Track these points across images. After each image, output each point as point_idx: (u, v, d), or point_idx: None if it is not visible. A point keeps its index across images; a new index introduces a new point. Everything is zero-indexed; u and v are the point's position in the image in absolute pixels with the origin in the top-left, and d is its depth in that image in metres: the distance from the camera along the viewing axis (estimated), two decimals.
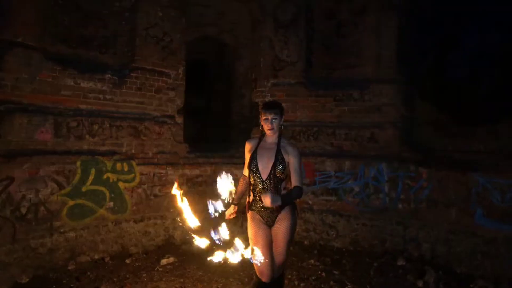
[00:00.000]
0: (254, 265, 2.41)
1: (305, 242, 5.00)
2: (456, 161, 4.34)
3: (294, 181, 2.45)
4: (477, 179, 3.97)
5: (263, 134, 2.61)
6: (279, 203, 2.25)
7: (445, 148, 4.61)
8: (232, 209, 2.68)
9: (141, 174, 4.49)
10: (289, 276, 3.83)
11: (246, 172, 2.64)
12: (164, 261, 4.11)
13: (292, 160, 2.48)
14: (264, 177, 2.46)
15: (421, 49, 5.38)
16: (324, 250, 4.76)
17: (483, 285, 3.67)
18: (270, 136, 2.55)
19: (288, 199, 2.42)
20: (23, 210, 3.45)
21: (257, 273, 2.48)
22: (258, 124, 2.71)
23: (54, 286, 3.39)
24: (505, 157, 4.00)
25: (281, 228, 2.47)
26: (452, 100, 5.30)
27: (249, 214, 2.60)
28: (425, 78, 5.29)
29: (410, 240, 4.48)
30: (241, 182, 2.74)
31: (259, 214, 2.54)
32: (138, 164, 4.46)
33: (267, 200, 2.19)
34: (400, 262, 4.28)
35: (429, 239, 4.33)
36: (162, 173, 4.69)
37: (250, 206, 2.60)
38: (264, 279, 2.44)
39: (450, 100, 5.28)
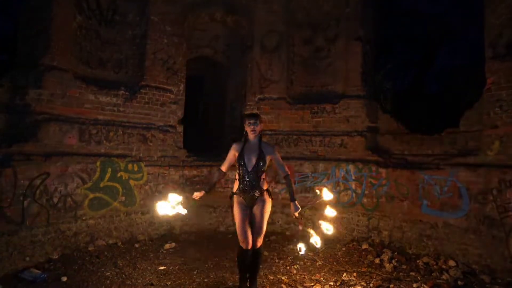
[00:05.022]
0: (238, 236, 3.23)
1: (287, 233, 5.86)
2: (409, 163, 5.29)
3: (281, 171, 3.31)
4: (423, 176, 4.92)
5: (246, 139, 3.37)
6: (299, 209, 3.14)
7: (402, 152, 5.56)
8: (200, 193, 3.30)
9: (148, 173, 5.34)
10: (271, 256, 4.68)
11: (224, 168, 3.40)
12: (167, 246, 4.92)
13: (272, 156, 3.32)
14: (250, 169, 3.25)
15: (386, 71, 6.47)
16: (303, 238, 5.61)
17: (426, 260, 4.57)
18: (252, 139, 3.35)
19: (293, 193, 3.25)
20: (55, 200, 4.27)
21: (240, 243, 3.25)
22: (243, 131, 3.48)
23: (79, 262, 4.18)
24: (446, 159, 4.96)
25: (259, 208, 3.29)
26: (414, 113, 6.33)
27: (235, 198, 3.37)
28: (387, 95, 6.33)
29: (372, 228, 5.38)
30: (216, 175, 3.49)
31: (242, 197, 3.33)
32: (145, 165, 5.31)
33: (294, 210, 3.12)
34: (364, 246, 5.17)
35: (388, 227, 5.24)
36: (165, 173, 5.55)
37: (236, 192, 3.35)
38: (245, 246, 3.23)
39: (412, 113, 6.31)
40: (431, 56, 8.66)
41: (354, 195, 5.58)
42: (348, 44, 5.97)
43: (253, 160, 3.26)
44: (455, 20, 8.56)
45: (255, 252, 3.31)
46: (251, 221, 3.31)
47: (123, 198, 5.03)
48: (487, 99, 4.44)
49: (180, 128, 5.89)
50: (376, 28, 6.30)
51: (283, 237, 5.67)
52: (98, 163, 4.75)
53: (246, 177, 3.26)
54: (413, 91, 7.45)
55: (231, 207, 3.44)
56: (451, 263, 4.41)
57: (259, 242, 3.30)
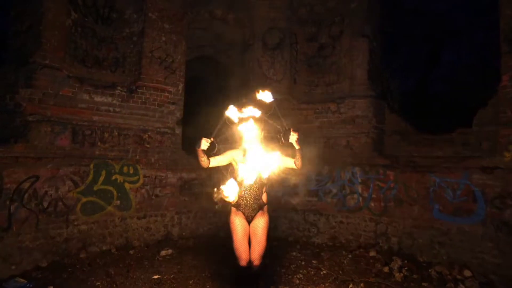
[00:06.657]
0: (235, 252, 2.94)
1: (290, 239, 5.59)
2: (418, 165, 5.00)
3: (291, 161, 2.98)
4: (434, 179, 4.63)
5: (245, 149, 3.05)
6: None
7: (410, 154, 5.28)
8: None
9: (145, 176, 5.12)
10: (272, 264, 4.40)
11: (211, 163, 2.94)
12: (163, 252, 4.68)
13: (278, 156, 2.89)
14: (252, 181, 2.89)
15: (393, 70, 6.21)
16: (306, 245, 5.35)
17: (439, 270, 4.26)
18: (252, 146, 2.99)
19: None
20: (45, 204, 4.06)
21: (238, 260, 2.96)
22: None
23: (69, 269, 3.95)
24: (458, 161, 4.66)
25: (260, 222, 3.03)
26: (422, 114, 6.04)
27: (233, 210, 3.09)
28: (394, 94, 6.06)
29: (380, 234, 5.08)
30: (205, 159, 2.88)
31: (241, 211, 3.06)
32: (142, 168, 5.09)
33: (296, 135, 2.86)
34: (372, 253, 4.87)
35: (397, 233, 4.94)
36: (162, 176, 5.32)
37: (234, 205, 3.05)
38: (242, 263, 2.95)
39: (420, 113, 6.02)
40: (437, 55, 8.41)
41: (360, 199, 5.29)
42: (353, 41, 5.72)
43: (256, 172, 2.90)
44: (460, 18, 8.30)
45: (255, 272, 3.00)
46: (250, 237, 3.05)
47: (118, 202, 4.81)
48: (503, 97, 4.16)
49: (178, 130, 5.66)
50: (382, 26, 6.05)
51: (285, 244, 5.39)
52: (91, 166, 4.54)
53: (248, 190, 3.03)
54: (420, 91, 7.16)
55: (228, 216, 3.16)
56: (467, 273, 4.09)
57: (258, 260, 2.99)
